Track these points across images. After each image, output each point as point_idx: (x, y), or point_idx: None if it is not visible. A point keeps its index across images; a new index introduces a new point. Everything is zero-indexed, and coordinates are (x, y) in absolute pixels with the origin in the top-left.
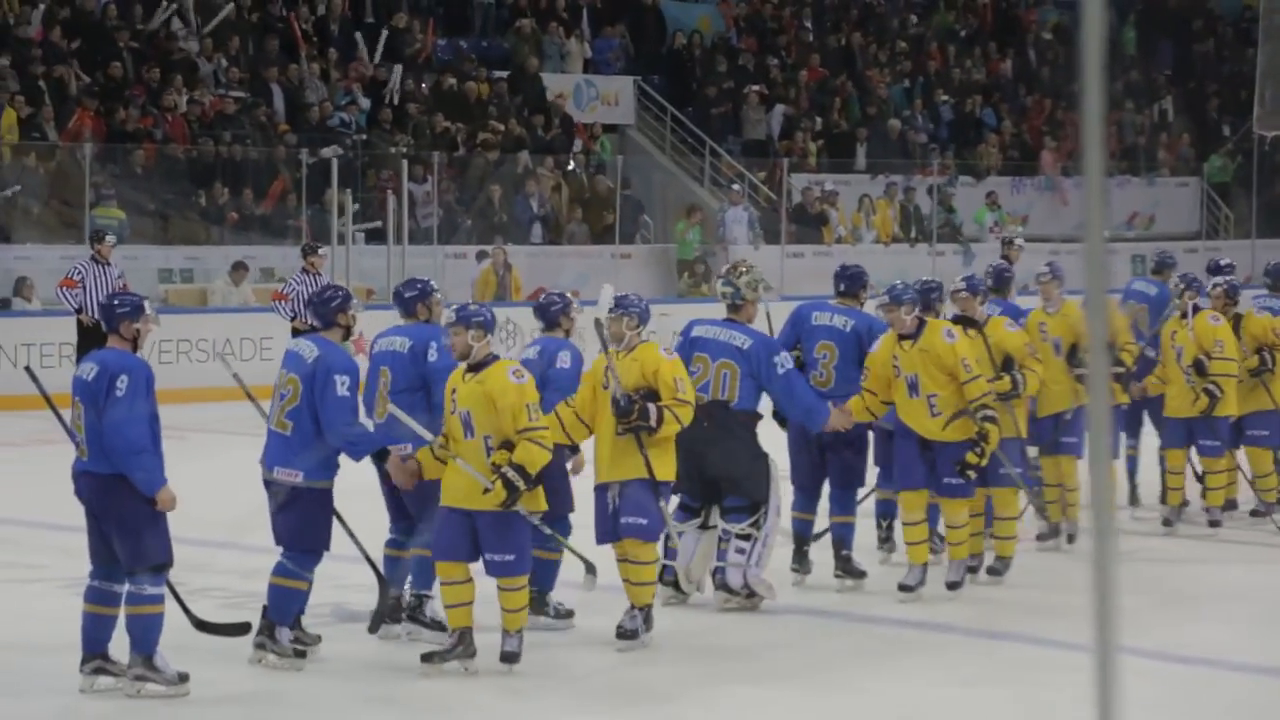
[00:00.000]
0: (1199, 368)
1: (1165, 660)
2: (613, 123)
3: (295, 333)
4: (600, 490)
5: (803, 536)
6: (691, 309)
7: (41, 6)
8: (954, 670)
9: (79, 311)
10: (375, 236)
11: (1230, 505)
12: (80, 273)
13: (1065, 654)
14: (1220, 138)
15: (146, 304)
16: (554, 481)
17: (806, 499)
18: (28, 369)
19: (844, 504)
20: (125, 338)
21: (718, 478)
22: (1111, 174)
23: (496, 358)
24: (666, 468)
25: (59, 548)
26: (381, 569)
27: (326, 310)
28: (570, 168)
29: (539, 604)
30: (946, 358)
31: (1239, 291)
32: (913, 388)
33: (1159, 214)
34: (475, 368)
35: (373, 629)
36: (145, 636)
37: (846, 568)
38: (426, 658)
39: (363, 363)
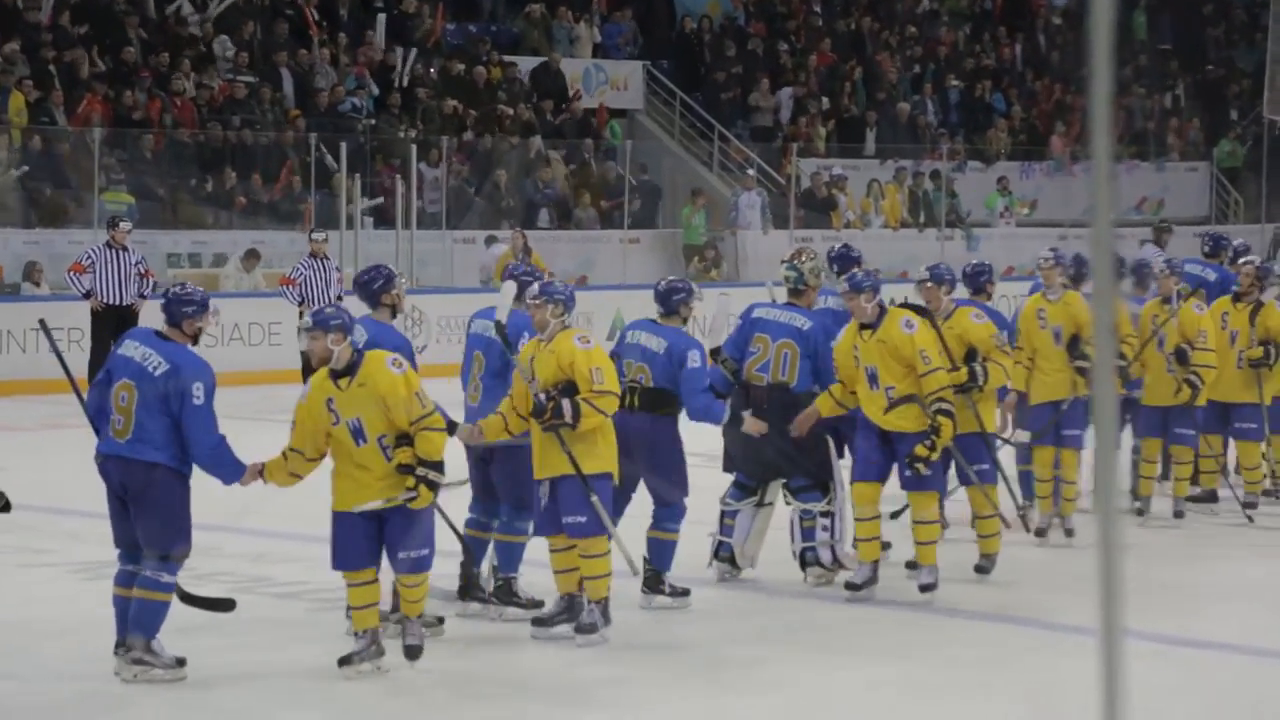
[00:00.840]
0: (1180, 356)
1: (1170, 644)
2: (622, 107)
3: (302, 318)
4: (536, 484)
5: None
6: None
7: None
8: (963, 653)
9: (87, 295)
10: (383, 222)
11: (1210, 497)
12: (90, 258)
13: (1073, 637)
14: (1230, 122)
15: (211, 302)
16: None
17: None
18: (41, 322)
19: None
20: (187, 333)
21: (778, 458)
22: (1121, 159)
23: (362, 354)
24: (598, 459)
25: (67, 533)
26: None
27: (370, 292)
28: (586, 159)
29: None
30: (905, 348)
31: (1271, 274)
32: (873, 379)
33: (1168, 199)
34: (347, 371)
35: (461, 597)
36: (151, 621)
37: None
38: (343, 660)
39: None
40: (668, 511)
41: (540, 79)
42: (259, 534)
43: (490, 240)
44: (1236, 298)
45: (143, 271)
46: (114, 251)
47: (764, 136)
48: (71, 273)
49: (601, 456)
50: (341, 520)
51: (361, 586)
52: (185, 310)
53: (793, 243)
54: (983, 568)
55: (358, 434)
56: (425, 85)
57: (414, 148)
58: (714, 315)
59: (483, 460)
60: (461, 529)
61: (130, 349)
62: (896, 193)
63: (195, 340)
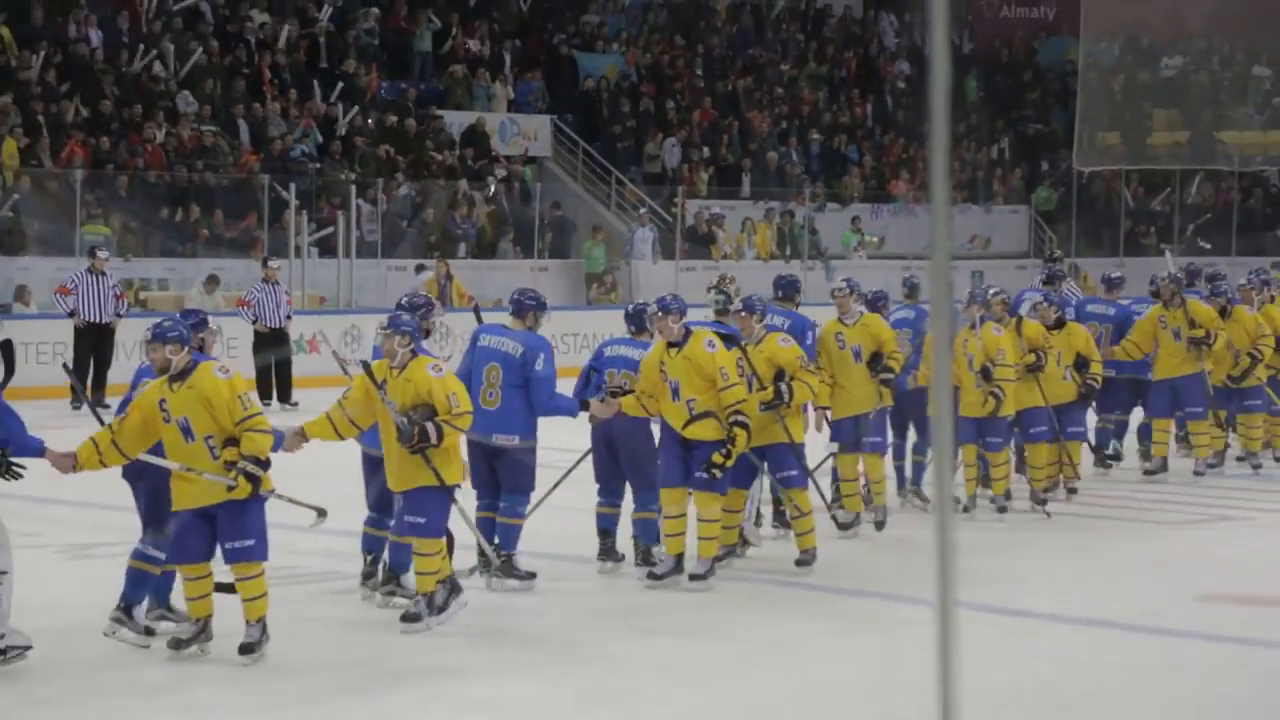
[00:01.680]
0: (985, 373)
1: (997, 613)
2: (533, 155)
3: (257, 336)
4: (395, 495)
5: (608, 530)
6: (597, 315)
7: (41, 53)
8: (820, 622)
9: (71, 314)
10: (327, 251)
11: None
12: (74, 282)
13: (913, 608)
14: (1045, 172)
15: (210, 320)
16: None
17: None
18: (65, 366)
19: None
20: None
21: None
22: (954, 202)
23: (198, 362)
24: (453, 471)
25: (51, 519)
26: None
27: (522, 307)
28: (492, 192)
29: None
30: (706, 366)
31: (1021, 303)
32: (675, 392)
33: (994, 236)
34: (181, 376)
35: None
36: (138, 590)
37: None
38: (173, 644)
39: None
40: (650, 496)
41: (468, 135)
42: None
43: (419, 268)
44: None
45: (119, 294)
46: (94, 276)
47: (654, 180)
48: (57, 294)
49: (457, 468)
50: (179, 518)
51: (197, 580)
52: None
53: (679, 272)
54: (803, 560)
55: (186, 432)
56: (363, 134)
57: (353, 188)
58: None
59: (487, 456)
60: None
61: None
62: (767, 229)
63: (202, 349)
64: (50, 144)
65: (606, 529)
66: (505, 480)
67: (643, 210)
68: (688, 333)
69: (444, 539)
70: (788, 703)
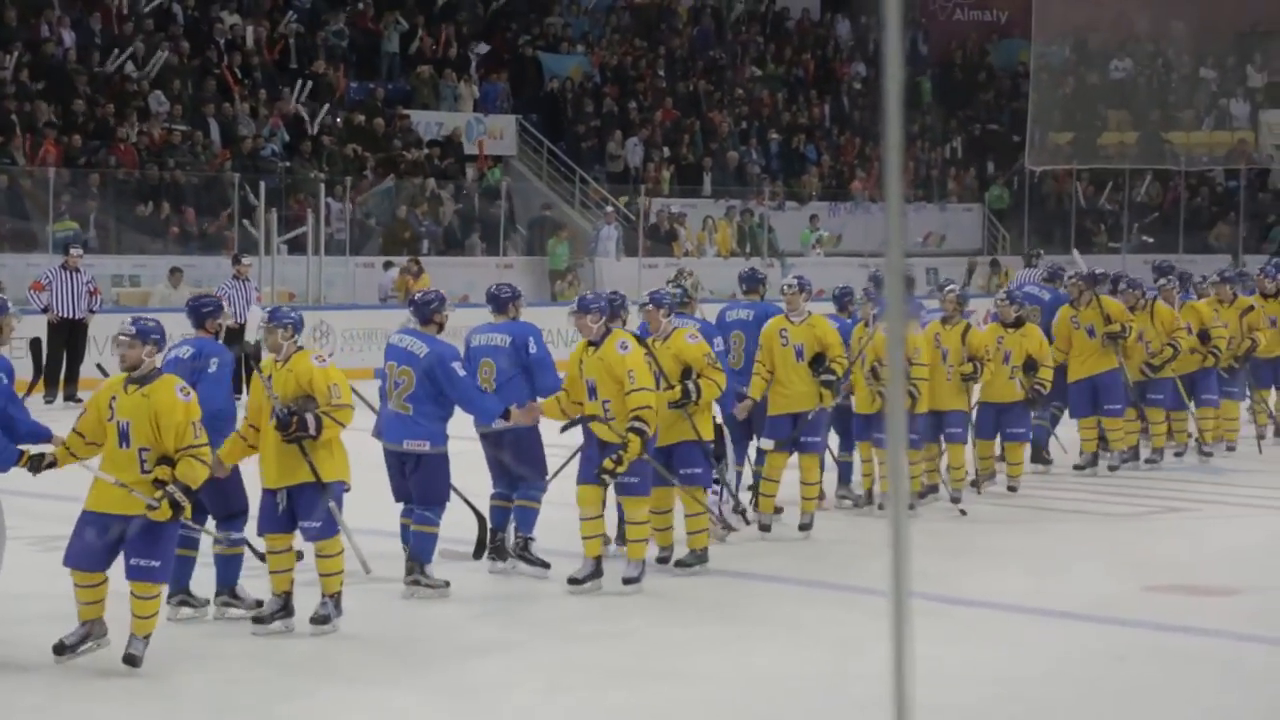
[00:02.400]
0: (875, 373)
1: (950, 604)
2: (498, 154)
3: (227, 331)
4: (269, 494)
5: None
6: (561, 310)
7: (15, 52)
8: (780, 612)
9: (45, 310)
10: (296, 248)
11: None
12: (48, 278)
13: (870, 599)
14: (998, 171)
15: (226, 304)
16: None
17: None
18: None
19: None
20: (209, 331)
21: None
22: (909, 200)
23: (161, 373)
24: (334, 468)
25: (23, 510)
26: (488, 515)
27: (426, 310)
28: (464, 190)
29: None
30: (616, 368)
31: (967, 300)
32: (592, 391)
33: (949, 234)
34: (140, 380)
35: (476, 556)
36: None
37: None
38: (57, 649)
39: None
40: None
41: (436, 135)
42: None
43: (387, 265)
44: (944, 320)
45: (92, 290)
46: (68, 273)
47: (618, 179)
48: (31, 290)
49: (338, 465)
50: (87, 519)
51: (89, 588)
52: (204, 311)
53: (641, 269)
54: (685, 562)
55: (124, 436)
56: (332, 133)
57: (322, 186)
58: None
59: (496, 445)
60: (488, 504)
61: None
62: (727, 227)
63: (218, 336)
64: (23, 143)
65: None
66: (517, 467)
67: (609, 209)
68: (607, 332)
69: (339, 536)
70: (743, 692)
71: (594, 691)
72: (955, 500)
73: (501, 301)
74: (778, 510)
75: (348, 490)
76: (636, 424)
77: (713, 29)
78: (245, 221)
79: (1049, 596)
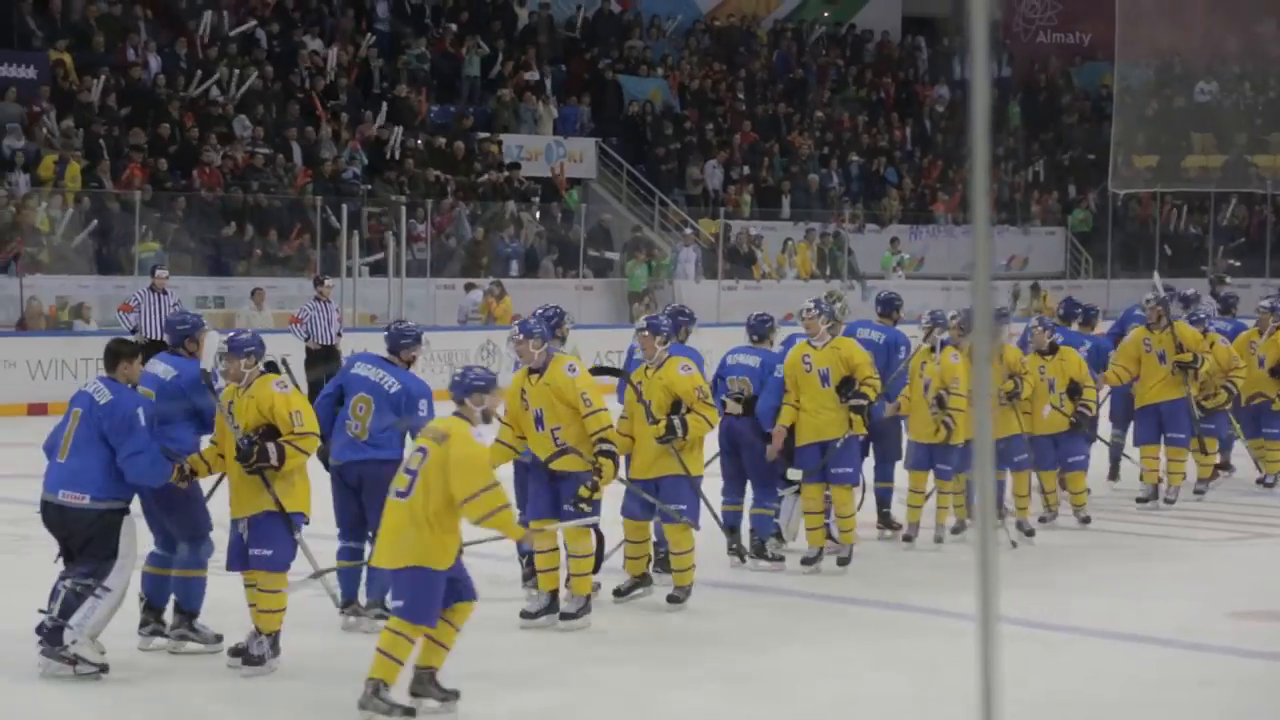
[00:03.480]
0: (939, 400)
1: (1032, 628)
2: (577, 176)
3: (309, 352)
4: (233, 523)
5: (734, 527)
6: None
7: (102, 77)
8: (859, 634)
9: (134, 332)
10: (378, 269)
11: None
12: (136, 299)
13: (954, 621)
14: (1080, 194)
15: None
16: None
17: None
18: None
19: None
20: (404, 360)
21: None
22: (993, 223)
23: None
24: (297, 499)
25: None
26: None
27: (398, 343)
28: (537, 214)
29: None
30: (567, 392)
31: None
32: (539, 421)
33: (1031, 257)
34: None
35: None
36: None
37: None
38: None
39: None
40: (768, 493)
41: (516, 158)
42: None
43: (468, 287)
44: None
45: (176, 312)
46: (155, 294)
47: (697, 202)
48: (120, 312)
49: (301, 497)
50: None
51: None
52: (403, 342)
53: (720, 292)
54: (675, 598)
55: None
56: (413, 156)
57: (403, 209)
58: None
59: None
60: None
61: (363, 369)
62: (807, 250)
63: (410, 366)
64: (110, 166)
65: (732, 526)
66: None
67: (687, 231)
68: (549, 357)
69: (286, 574)
70: (829, 713)
71: (673, 710)
72: (1028, 532)
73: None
74: (819, 549)
75: (306, 523)
76: (605, 446)
77: (793, 51)
78: (330, 245)
79: (1132, 621)
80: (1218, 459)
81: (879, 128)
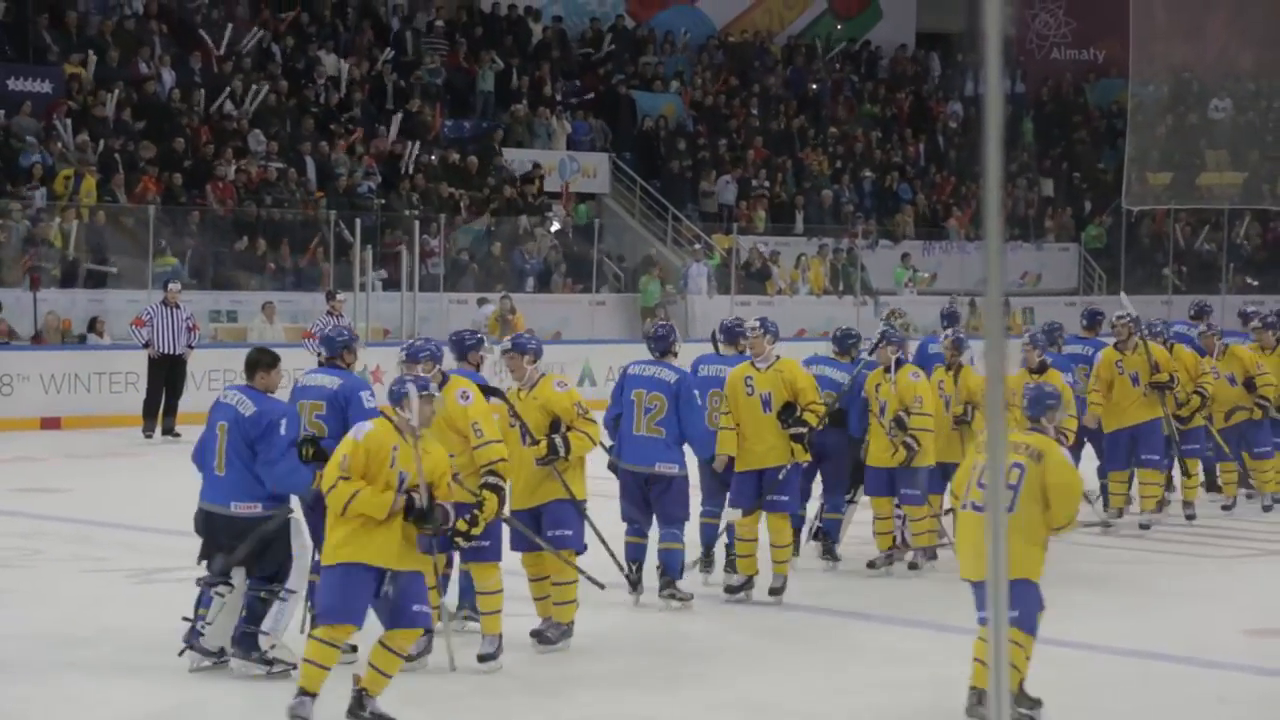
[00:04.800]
0: (899, 422)
1: (1046, 644)
2: (591, 191)
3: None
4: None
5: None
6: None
7: (116, 91)
8: (869, 650)
9: (146, 346)
10: (391, 283)
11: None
12: (149, 314)
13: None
14: (1094, 211)
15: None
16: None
17: None
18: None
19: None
20: (472, 363)
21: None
22: (1006, 239)
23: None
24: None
25: (122, 543)
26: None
27: (463, 348)
28: (557, 228)
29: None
30: (458, 420)
31: (965, 343)
32: None
33: (1045, 273)
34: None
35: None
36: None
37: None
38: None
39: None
40: (839, 499)
41: (529, 173)
42: None
43: (481, 301)
44: (946, 367)
45: (191, 326)
46: (168, 309)
47: (711, 217)
48: (133, 326)
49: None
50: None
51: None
52: (468, 345)
53: (733, 307)
54: (548, 638)
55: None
56: (426, 171)
57: (417, 224)
58: None
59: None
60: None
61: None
62: (820, 265)
63: (478, 368)
64: (124, 180)
65: (827, 530)
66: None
67: (698, 246)
68: (445, 380)
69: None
70: None
71: None
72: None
73: (725, 336)
74: (748, 578)
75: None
76: (491, 479)
77: (806, 67)
78: (343, 259)
79: (1146, 638)
80: (1201, 479)
81: (892, 143)
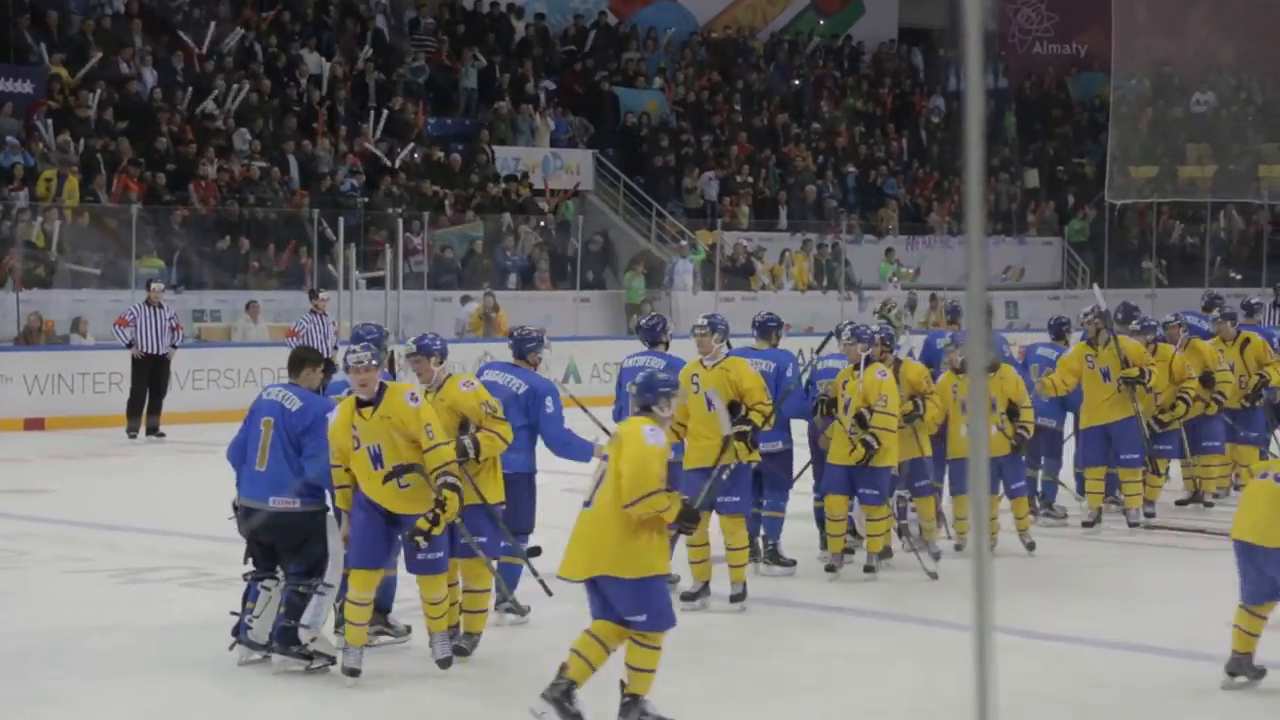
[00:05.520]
0: (860, 420)
1: (1029, 637)
2: (575, 188)
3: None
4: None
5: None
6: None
7: (99, 91)
8: (863, 643)
9: (129, 346)
10: (375, 282)
11: (886, 553)
12: (132, 314)
13: (949, 632)
14: (1077, 204)
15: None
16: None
17: None
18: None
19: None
20: (531, 364)
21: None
22: (989, 233)
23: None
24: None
25: (106, 544)
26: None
27: (523, 348)
28: (542, 224)
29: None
30: (410, 424)
31: (893, 340)
32: (376, 459)
33: (1028, 268)
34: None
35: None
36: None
37: None
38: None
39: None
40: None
41: (513, 171)
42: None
43: (465, 299)
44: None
45: (174, 325)
46: (151, 309)
47: (696, 214)
48: (116, 326)
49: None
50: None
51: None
52: (528, 345)
53: (718, 303)
54: (461, 649)
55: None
56: (410, 169)
57: (400, 222)
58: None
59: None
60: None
61: (492, 375)
62: (804, 260)
63: (536, 368)
64: (106, 180)
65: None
66: (767, 479)
67: (683, 242)
68: (382, 388)
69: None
70: None
71: None
72: (1027, 544)
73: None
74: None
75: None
76: (449, 479)
77: (789, 63)
78: (326, 258)
79: (1127, 631)
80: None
81: (875, 139)
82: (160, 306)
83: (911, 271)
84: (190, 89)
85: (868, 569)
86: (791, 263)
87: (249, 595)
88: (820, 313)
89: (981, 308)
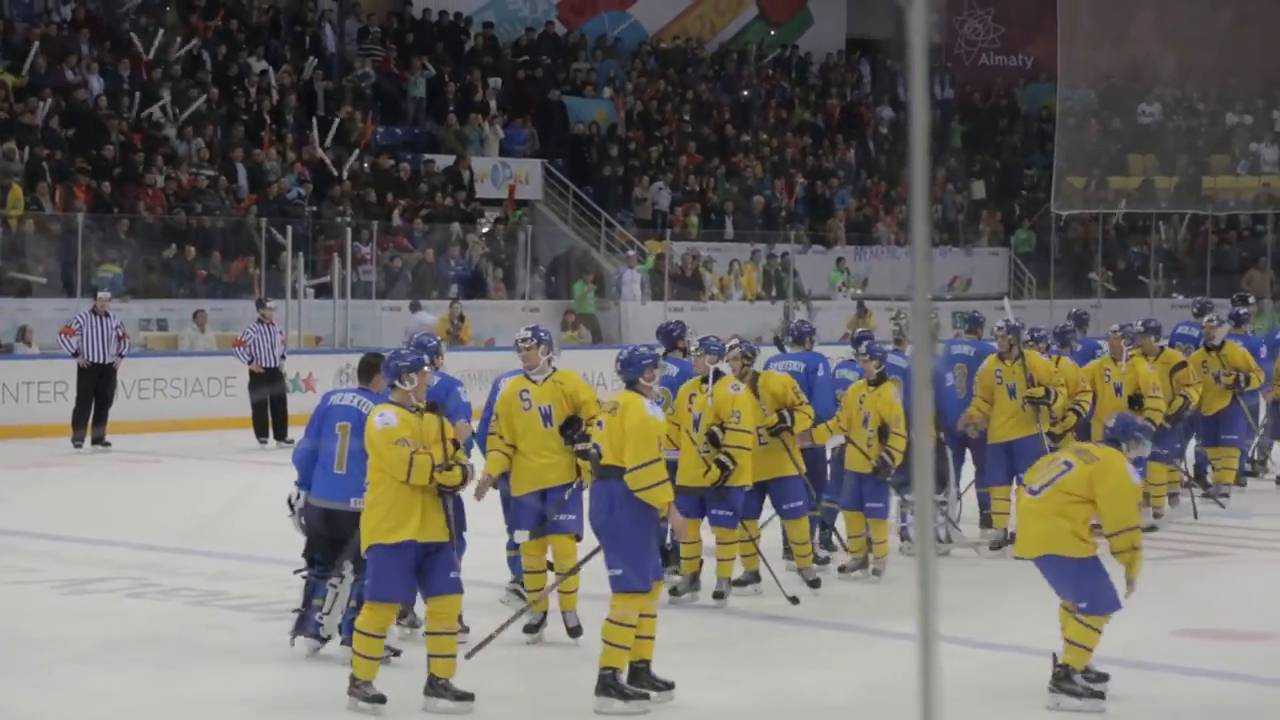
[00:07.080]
0: (712, 438)
1: (974, 647)
2: (524, 198)
3: (252, 375)
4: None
5: None
6: (571, 355)
7: (48, 100)
8: (812, 653)
9: (75, 355)
10: (323, 291)
11: (754, 577)
12: (78, 322)
13: (894, 641)
14: (1024, 215)
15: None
16: None
17: None
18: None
19: None
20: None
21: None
22: (935, 243)
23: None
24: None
25: (50, 554)
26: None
27: (636, 368)
28: (486, 230)
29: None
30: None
31: (755, 353)
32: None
33: (975, 278)
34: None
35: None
36: None
37: None
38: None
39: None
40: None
41: (455, 175)
42: (214, 555)
43: (415, 307)
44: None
45: (120, 334)
46: (97, 317)
47: (645, 224)
48: (62, 335)
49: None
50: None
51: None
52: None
53: (666, 312)
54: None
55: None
56: (358, 178)
57: (349, 230)
58: None
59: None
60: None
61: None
62: (753, 270)
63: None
64: (51, 189)
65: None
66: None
67: (631, 252)
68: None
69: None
70: None
71: None
72: (812, 583)
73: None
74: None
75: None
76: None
77: (738, 73)
78: (278, 260)
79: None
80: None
81: (824, 149)
82: (106, 315)
83: (859, 281)
84: (138, 95)
85: (718, 595)
86: (740, 273)
87: (315, 593)
88: (769, 323)
89: (926, 318)
